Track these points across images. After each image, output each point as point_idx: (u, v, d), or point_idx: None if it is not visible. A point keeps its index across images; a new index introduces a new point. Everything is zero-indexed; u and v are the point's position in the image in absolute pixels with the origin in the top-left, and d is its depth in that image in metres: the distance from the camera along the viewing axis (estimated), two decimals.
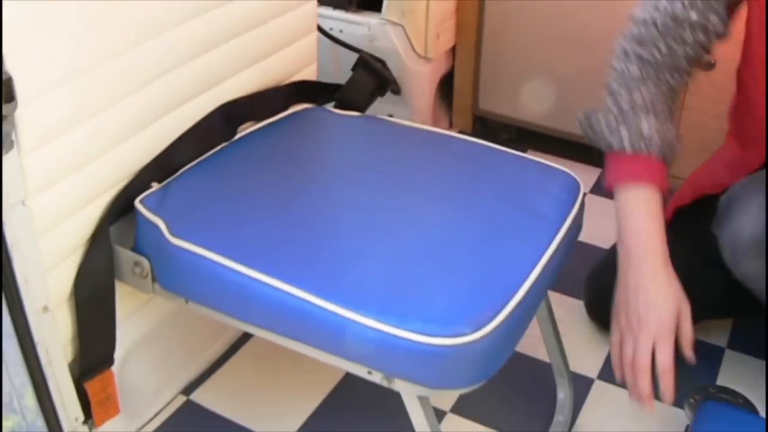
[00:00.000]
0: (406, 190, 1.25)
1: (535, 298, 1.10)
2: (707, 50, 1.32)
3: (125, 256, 1.20)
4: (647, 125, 1.26)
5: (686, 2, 1.27)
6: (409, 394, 1.06)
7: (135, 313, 1.36)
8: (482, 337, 0.98)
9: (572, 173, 1.31)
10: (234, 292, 1.09)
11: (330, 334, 1.03)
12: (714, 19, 1.27)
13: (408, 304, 1.01)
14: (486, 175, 1.29)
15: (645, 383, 1.17)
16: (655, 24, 1.29)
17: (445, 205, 1.21)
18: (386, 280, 1.05)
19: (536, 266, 1.09)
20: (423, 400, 1.06)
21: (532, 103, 2.26)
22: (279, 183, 1.26)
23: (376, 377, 1.04)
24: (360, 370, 1.05)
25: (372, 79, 1.57)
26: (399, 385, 1.04)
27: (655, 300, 1.20)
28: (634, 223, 1.25)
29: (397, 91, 2.21)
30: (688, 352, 1.19)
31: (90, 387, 1.23)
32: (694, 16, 1.27)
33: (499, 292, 1.04)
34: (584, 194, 1.28)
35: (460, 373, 1.01)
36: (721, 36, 1.31)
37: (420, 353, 0.98)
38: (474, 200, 1.21)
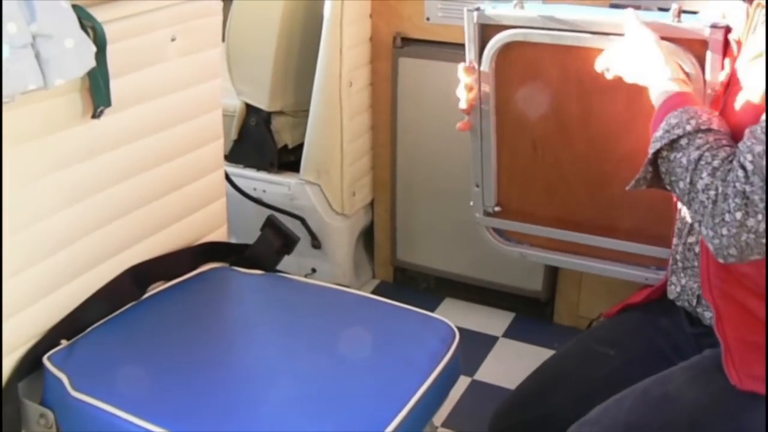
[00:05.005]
0: (294, 344, 1.38)
1: None
2: None
3: (32, 408, 1.30)
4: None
5: None
6: None
7: None
8: None
9: (449, 323, 1.43)
10: None
11: None
12: None
13: None
14: (369, 326, 1.42)
15: None
16: None
17: (326, 356, 1.33)
18: (264, 427, 1.17)
19: (402, 410, 1.21)
20: None
21: (446, 253, 2.39)
22: (179, 340, 1.38)
23: None
24: None
25: (278, 238, 1.70)
26: None
27: None
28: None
29: (317, 245, 2.36)
30: None
31: None
32: None
33: None
34: (459, 342, 1.40)
35: None
36: None
37: None
38: (353, 350, 1.34)
